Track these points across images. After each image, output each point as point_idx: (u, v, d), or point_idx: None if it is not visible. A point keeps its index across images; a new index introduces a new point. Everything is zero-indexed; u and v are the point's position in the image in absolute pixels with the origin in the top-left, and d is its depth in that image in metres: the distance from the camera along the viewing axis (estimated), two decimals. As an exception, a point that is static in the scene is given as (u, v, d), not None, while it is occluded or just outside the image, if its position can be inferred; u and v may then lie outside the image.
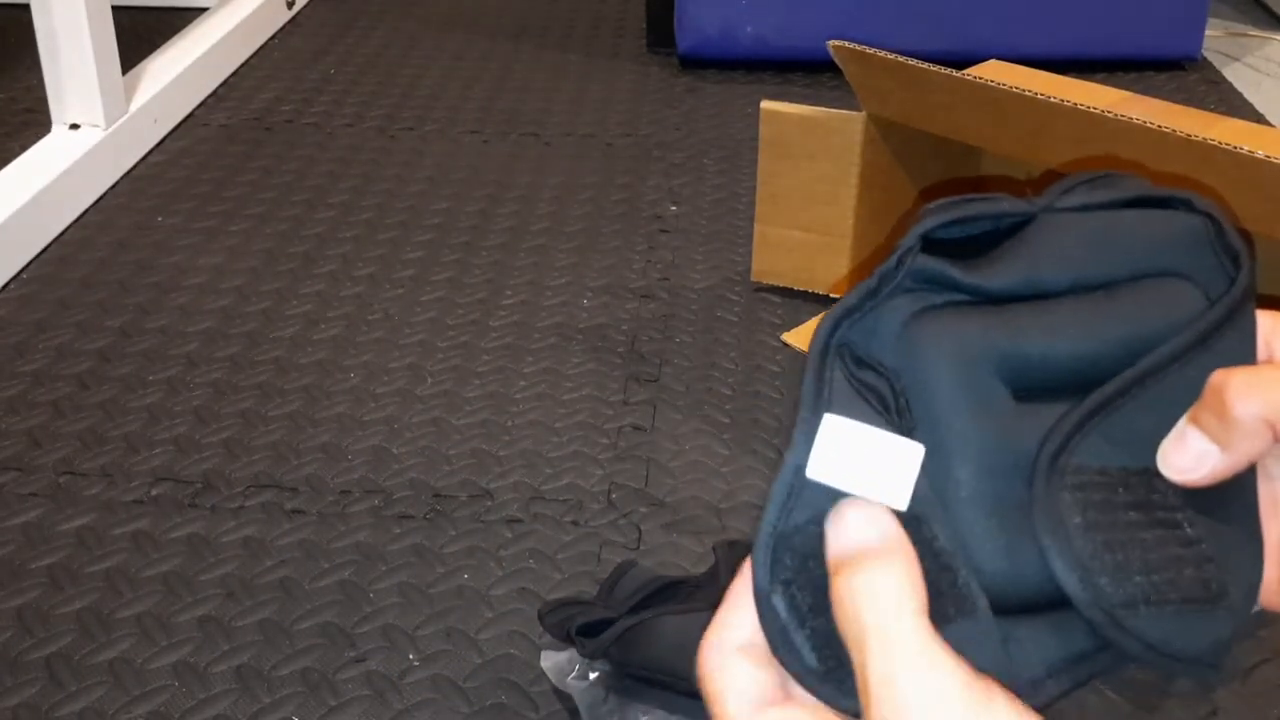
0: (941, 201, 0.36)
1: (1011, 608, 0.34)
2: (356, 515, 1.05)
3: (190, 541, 1.02)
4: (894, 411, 0.35)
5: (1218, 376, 0.34)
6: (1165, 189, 0.37)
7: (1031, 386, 0.35)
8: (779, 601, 0.33)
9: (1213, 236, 0.36)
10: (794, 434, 0.34)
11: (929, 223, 0.36)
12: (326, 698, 0.89)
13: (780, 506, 0.34)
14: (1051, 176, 1.39)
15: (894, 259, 0.35)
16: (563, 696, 0.87)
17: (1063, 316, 0.35)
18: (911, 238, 0.35)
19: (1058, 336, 0.35)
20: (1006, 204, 0.36)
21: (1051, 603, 0.34)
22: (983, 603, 0.33)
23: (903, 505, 0.33)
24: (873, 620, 0.31)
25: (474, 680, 0.90)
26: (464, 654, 0.92)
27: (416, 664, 0.92)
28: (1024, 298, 0.36)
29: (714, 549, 0.93)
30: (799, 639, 0.33)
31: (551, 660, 0.88)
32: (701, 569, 0.96)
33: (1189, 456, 0.34)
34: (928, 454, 0.34)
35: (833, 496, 0.34)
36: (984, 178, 1.37)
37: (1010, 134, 1.13)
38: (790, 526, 0.34)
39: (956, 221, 0.36)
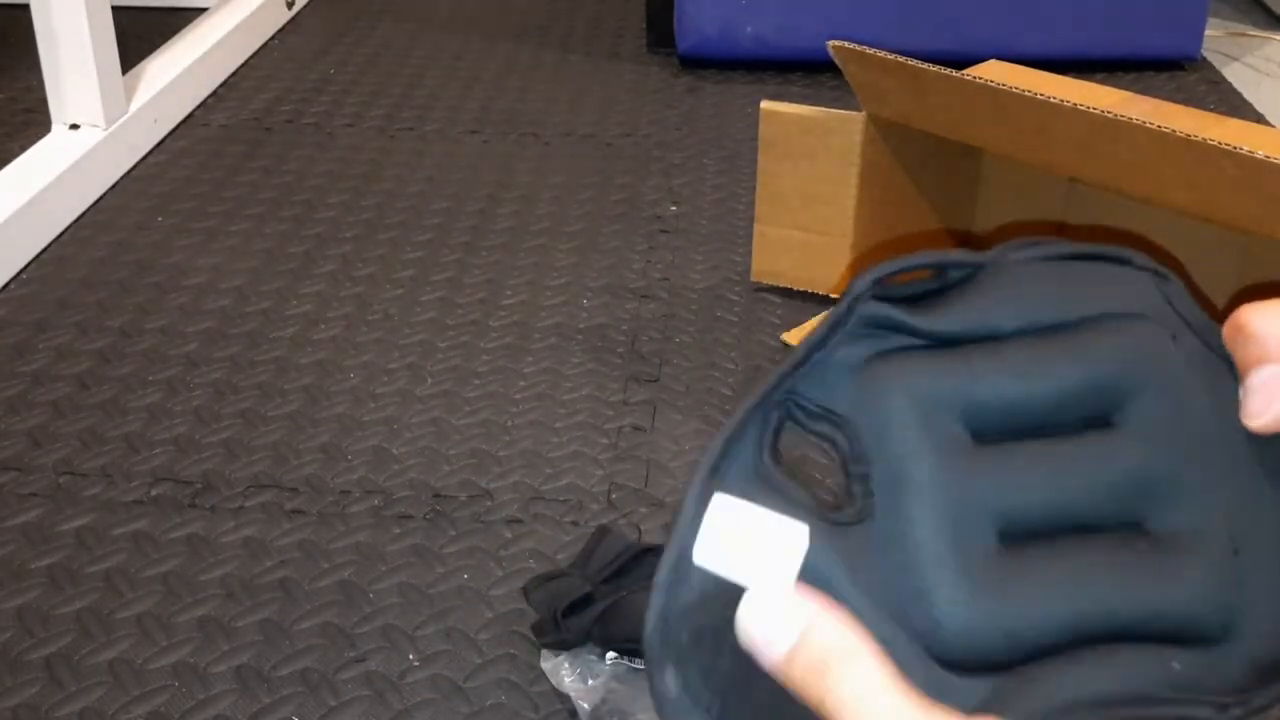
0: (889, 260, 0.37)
1: (970, 663, 0.33)
2: (356, 515, 1.05)
3: (190, 541, 1.02)
4: (851, 459, 0.34)
5: (1229, 322, 0.34)
6: (1105, 246, 0.37)
7: (988, 429, 0.35)
8: (671, 680, 0.33)
9: (1161, 288, 0.37)
10: (684, 502, 0.34)
11: (879, 270, 0.36)
12: (326, 698, 0.89)
13: (667, 589, 0.34)
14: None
15: (844, 304, 0.35)
16: (563, 697, 0.87)
17: (1018, 356, 0.35)
18: (863, 283, 0.35)
19: (1015, 378, 0.35)
20: (954, 255, 0.37)
21: (1011, 659, 0.33)
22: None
23: (789, 590, 0.32)
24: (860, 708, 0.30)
25: (474, 680, 0.90)
26: (464, 654, 0.92)
27: (416, 664, 0.92)
28: (977, 339, 0.35)
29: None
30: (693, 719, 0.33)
31: (551, 661, 0.88)
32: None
33: (1256, 380, 0.34)
34: (888, 500, 0.33)
35: (719, 578, 0.33)
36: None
37: (1010, 134, 1.13)
38: (680, 607, 0.33)
39: (904, 270, 0.36)
